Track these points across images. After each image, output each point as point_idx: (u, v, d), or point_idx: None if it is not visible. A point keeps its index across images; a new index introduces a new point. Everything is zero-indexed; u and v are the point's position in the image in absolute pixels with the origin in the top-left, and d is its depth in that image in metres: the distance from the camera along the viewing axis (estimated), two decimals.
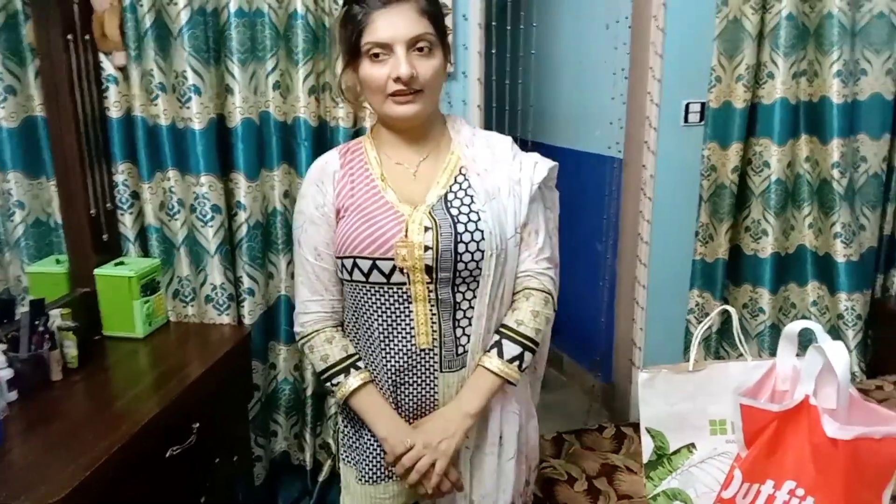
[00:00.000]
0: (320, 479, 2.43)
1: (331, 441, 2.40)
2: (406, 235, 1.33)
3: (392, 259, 1.33)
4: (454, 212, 1.36)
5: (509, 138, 1.50)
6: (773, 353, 2.87)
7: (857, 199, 2.74)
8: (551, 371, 3.73)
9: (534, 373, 1.63)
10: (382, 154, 1.44)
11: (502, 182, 1.40)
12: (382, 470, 1.46)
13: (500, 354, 1.39)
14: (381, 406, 1.43)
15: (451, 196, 1.38)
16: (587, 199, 3.27)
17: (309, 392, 2.36)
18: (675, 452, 1.60)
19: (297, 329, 1.51)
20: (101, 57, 2.01)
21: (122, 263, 2.06)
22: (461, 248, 1.33)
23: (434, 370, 1.40)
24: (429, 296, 1.36)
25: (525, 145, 3.22)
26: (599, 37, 2.99)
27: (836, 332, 2.77)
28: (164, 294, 2.13)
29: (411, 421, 1.43)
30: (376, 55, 1.30)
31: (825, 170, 2.68)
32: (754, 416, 1.37)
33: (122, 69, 2.02)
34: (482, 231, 1.34)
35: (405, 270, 1.34)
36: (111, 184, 2.08)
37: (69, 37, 1.91)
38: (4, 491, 1.35)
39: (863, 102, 2.68)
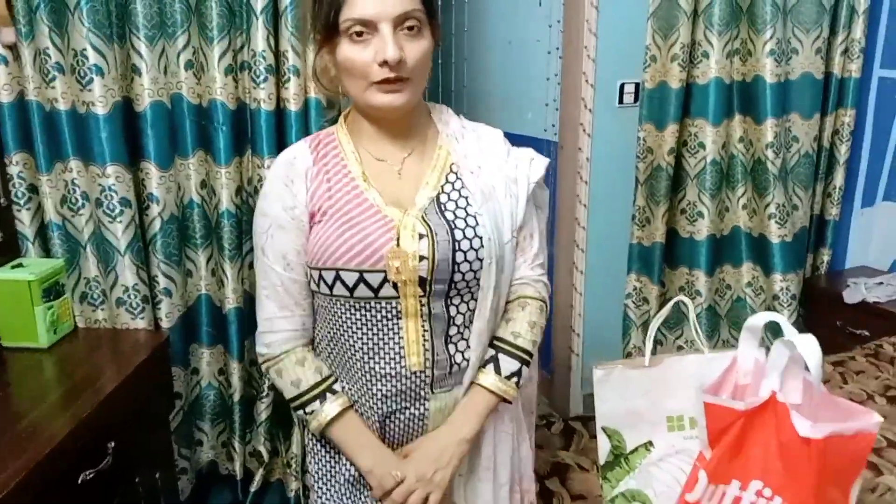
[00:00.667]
0: (252, 488, 2.27)
1: (262, 448, 2.25)
2: (398, 244, 1.17)
3: (382, 271, 1.17)
4: (450, 216, 1.21)
5: (499, 131, 1.34)
6: (710, 336, 2.90)
7: (789, 179, 2.75)
8: None
9: (527, 386, 1.49)
10: (361, 148, 1.27)
11: (498, 181, 1.25)
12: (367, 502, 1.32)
13: (497, 370, 1.27)
14: (363, 435, 1.28)
15: (443, 198, 1.23)
16: None
17: (236, 397, 2.19)
18: (632, 452, 1.53)
19: (261, 350, 1.33)
20: None
21: (20, 266, 1.84)
22: (459, 256, 1.19)
23: (425, 393, 1.27)
24: (421, 311, 1.21)
25: None
26: (533, 14, 2.89)
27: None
28: (69, 298, 1.93)
29: (397, 448, 1.30)
30: (358, 34, 1.12)
31: (759, 150, 2.67)
32: (719, 414, 1.30)
33: (12, 48, 1.79)
34: (481, 237, 1.20)
35: (397, 284, 1.18)
36: (4, 177, 1.86)
37: None
38: None
39: (794, 82, 2.69)
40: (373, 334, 1.23)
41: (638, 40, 2.60)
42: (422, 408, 1.27)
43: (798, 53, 2.66)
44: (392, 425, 1.29)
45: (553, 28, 2.77)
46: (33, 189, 1.89)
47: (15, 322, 1.82)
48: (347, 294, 1.20)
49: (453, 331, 1.25)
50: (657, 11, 2.55)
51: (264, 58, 1.95)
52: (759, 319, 1.33)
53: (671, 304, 1.53)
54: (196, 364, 2.19)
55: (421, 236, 1.18)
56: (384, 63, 1.11)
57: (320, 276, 1.22)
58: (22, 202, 1.88)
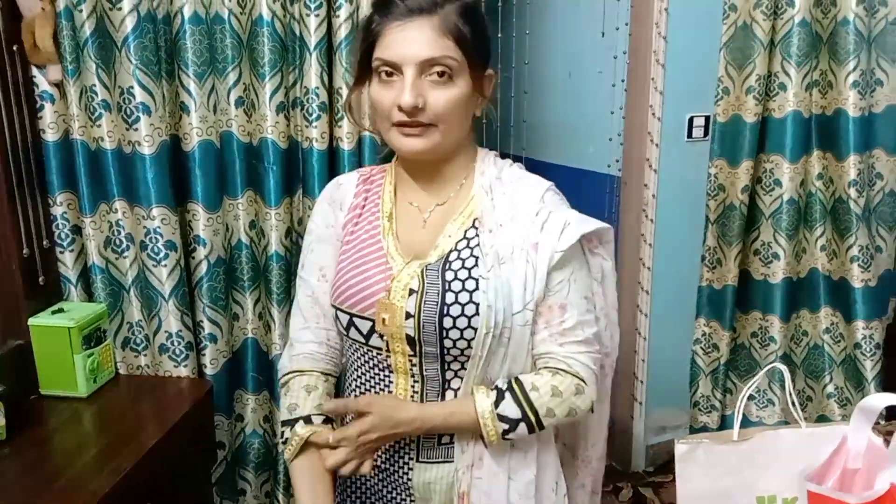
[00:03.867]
0: None
1: None
2: (389, 296, 1.11)
3: (372, 320, 1.13)
4: (449, 275, 1.11)
5: (544, 186, 1.19)
6: (782, 386, 2.70)
7: (872, 218, 2.56)
8: None
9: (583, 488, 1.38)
10: (400, 190, 1.22)
11: (517, 243, 1.11)
12: None
13: (496, 403, 1.11)
14: (317, 476, 1.16)
15: (453, 255, 1.13)
16: None
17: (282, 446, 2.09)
18: None
19: (283, 362, 1.26)
20: (34, 71, 1.73)
21: (61, 311, 1.77)
22: (447, 322, 1.09)
23: (410, 460, 1.18)
24: (411, 370, 1.14)
25: (518, 162, 3.01)
26: (595, 45, 2.76)
27: (852, 363, 2.59)
28: (111, 344, 1.85)
29: None
30: (388, 73, 1.09)
31: (840, 188, 2.49)
32: None
33: (59, 85, 1.73)
34: (477, 304, 1.08)
35: (384, 336, 1.12)
36: (48, 218, 1.80)
37: None
38: None
39: (878, 115, 2.51)
40: (366, 381, 1.20)
41: (709, 72, 2.47)
42: (405, 476, 1.19)
43: (883, 85, 2.48)
44: (370, 490, 1.23)
45: (618, 59, 2.64)
46: (77, 230, 1.83)
47: (54, 370, 1.75)
48: (345, 333, 1.19)
49: (450, 395, 1.14)
50: (731, 42, 2.41)
51: (317, 95, 1.87)
52: (876, 401, 1.16)
53: (764, 371, 1.37)
54: (240, 411, 2.10)
55: (411, 292, 1.11)
56: (400, 108, 1.07)
57: (336, 312, 1.20)
58: (65, 244, 1.82)
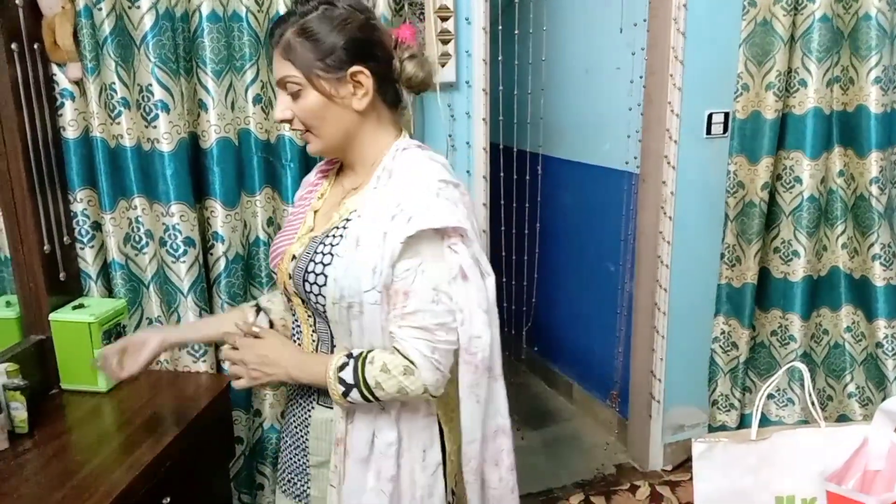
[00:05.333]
0: None
1: None
2: (283, 259, 1.32)
3: (275, 271, 1.36)
4: (321, 248, 1.26)
5: (424, 178, 1.24)
6: (802, 385, 2.67)
7: (895, 216, 2.52)
8: (560, 399, 3.48)
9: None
10: (340, 174, 1.40)
11: (376, 232, 1.21)
12: None
13: (340, 367, 1.23)
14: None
15: (333, 231, 1.27)
16: (600, 217, 3.02)
17: None
18: None
19: None
20: (54, 69, 1.75)
21: (81, 306, 1.79)
22: (307, 286, 1.25)
23: (313, 401, 1.35)
24: (308, 320, 1.33)
25: (535, 160, 3.00)
26: (613, 41, 2.74)
27: (873, 362, 2.56)
28: None
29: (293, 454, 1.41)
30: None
31: (862, 185, 2.46)
32: None
33: (78, 83, 1.75)
34: (327, 276, 1.22)
35: (284, 287, 1.34)
36: (68, 214, 1.82)
37: (14, 46, 1.64)
38: None
39: None
40: (293, 327, 1.38)
41: (728, 68, 2.44)
42: (307, 415, 1.35)
43: None
44: (286, 428, 1.42)
45: (636, 55, 2.62)
46: (97, 227, 1.85)
47: (75, 364, 1.77)
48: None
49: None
50: (750, 38, 2.39)
51: None
52: None
53: (783, 370, 1.36)
54: (258, 406, 2.11)
55: (293, 257, 1.29)
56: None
57: None
58: (85, 240, 1.84)
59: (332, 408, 1.31)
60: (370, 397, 1.22)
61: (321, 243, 1.26)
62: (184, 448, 1.62)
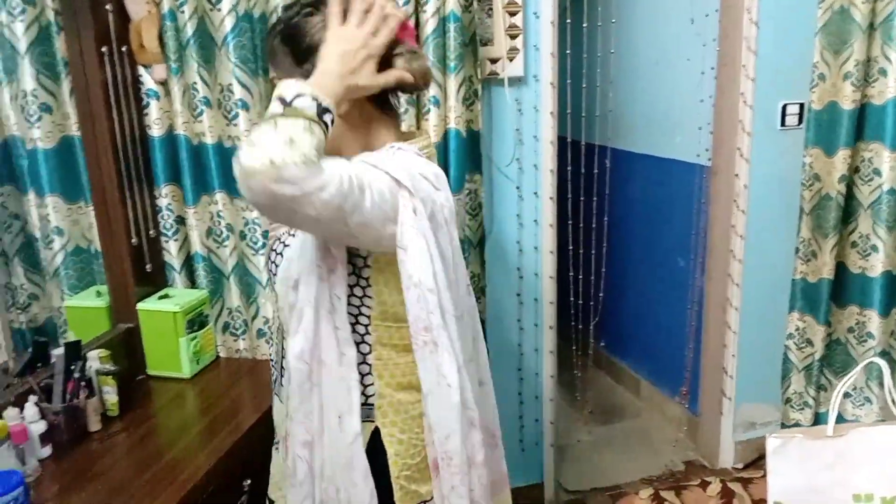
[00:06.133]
0: None
1: None
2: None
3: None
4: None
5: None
6: (880, 384, 2.59)
7: None
8: (627, 395, 3.45)
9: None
10: None
11: None
12: None
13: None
14: None
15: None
16: (670, 210, 2.98)
17: None
18: None
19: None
20: (140, 70, 1.84)
21: (166, 296, 1.88)
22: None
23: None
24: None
25: (603, 153, 2.98)
26: (684, 32, 2.70)
27: None
28: (213, 328, 1.95)
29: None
30: None
31: None
32: None
33: (163, 83, 1.84)
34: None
35: None
36: (154, 209, 1.91)
37: (104, 49, 1.73)
38: None
39: None
40: None
41: (804, 58, 2.38)
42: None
43: None
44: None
45: (707, 47, 2.57)
46: (181, 221, 1.93)
47: (160, 352, 1.86)
48: None
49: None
50: (827, 26, 2.32)
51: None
52: None
53: (861, 366, 1.33)
54: None
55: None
56: None
57: None
58: (170, 234, 1.92)
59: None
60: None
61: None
62: (261, 433, 1.67)
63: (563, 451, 2.85)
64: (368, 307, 1.20)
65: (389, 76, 1.15)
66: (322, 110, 1.01)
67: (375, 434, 1.24)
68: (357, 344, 1.20)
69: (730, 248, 2.56)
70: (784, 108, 2.46)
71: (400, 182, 1.09)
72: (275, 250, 1.26)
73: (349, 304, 1.18)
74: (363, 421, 1.21)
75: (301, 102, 1.00)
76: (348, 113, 1.15)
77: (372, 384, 1.23)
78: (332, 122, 1.04)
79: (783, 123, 2.47)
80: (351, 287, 1.18)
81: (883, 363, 1.30)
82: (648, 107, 3.05)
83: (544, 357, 2.46)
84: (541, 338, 2.44)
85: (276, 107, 1.00)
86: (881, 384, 2.48)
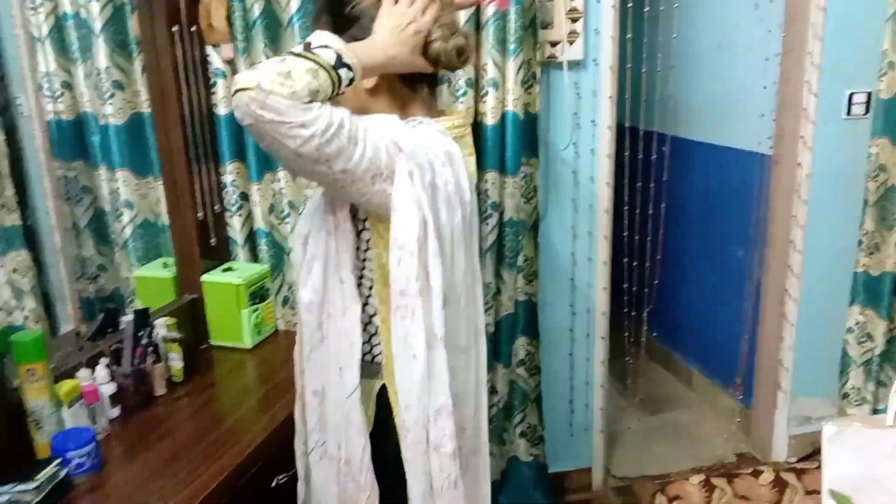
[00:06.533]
0: None
1: None
2: None
3: None
4: None
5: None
6: None
7: None
8: (679, 386, 3.42)
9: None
10: None
11: None
12: None
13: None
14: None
15: None
16: (729, 200, 2.94)
17: None
18: None
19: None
20: (209, 50, 1.89)
21: (230, 269, 1.94)
22: None
23: None
24: None
25: (662, 140, 2.95)
26: (748, 18, 2.66)
27: None
28: (273, 302, 2.01)
29: None
30: None
31: None
32: None
33: (230, 62, 1.89)
34: None
35: None
36: (219, 185, 1.97)
37: (174, 29, 1.79)
38: None
39: None
40: None
41: (872, 46, 2.32)
42: None
43: None
44: None
45: (772, 33, 2.52)
46: (244, 197, 1.99)
47: (223, 322, 1.92)
48: None
49: None
50: None
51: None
52: None
53: None
54: None
55: None
56: None
57: None
58: (234, 209, 1.98)
59: None
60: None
61: None
62: None
63: (612, 438, 2.85)
64: (369, 269, 1.25)
65: (427, 62, 1.21)
66: (340, 64, 1.06)
67: (383, 390, 1.28)
68: (363, 305, 1.25)
69: (790, 238, 2.52)
70: (850, 96, 2.41)
71: (399, 145, 1.12)
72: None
73: (354, 265, 1.23)
74: (371, 378, 1.27)
75: (323, 52, 1.06)
76: (381, 86, 1.22)
77: (378, 344, 1.28)
78: (351, 81, 1.08)
79: (849, 112, 2.41)
80: (356, 249, 1.24)
81: None
82: (709, 94, 3.00)
83: (596, 342, 2.46)
84: (593, 323, 2.44)
85: (297, 48, 1.07)
86: None
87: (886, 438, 1.28)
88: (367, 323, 1.27)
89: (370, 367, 1.28)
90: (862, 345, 2.55)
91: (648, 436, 2.98)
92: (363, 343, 1.25)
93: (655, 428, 3.05)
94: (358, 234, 1.24)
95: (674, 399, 3.31)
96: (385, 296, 1.23)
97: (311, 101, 1.01)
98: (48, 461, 1.34)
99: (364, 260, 1.25)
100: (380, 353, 1.28)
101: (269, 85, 0.98)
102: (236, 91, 1.00)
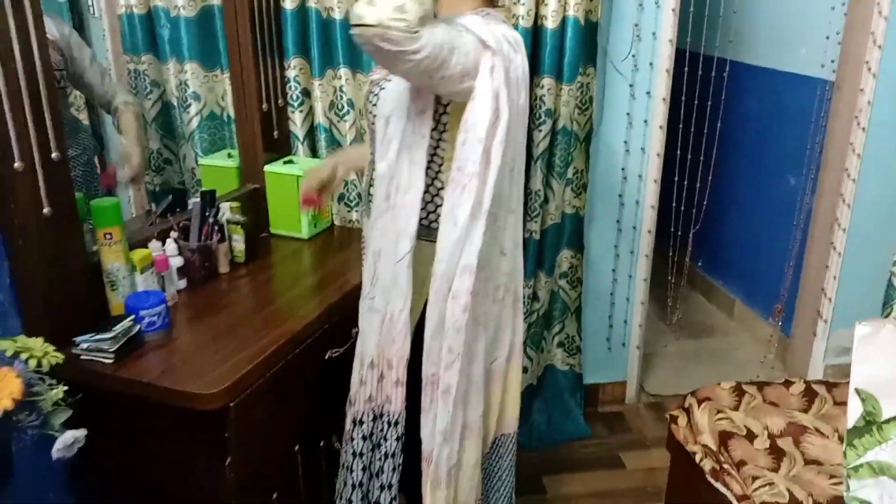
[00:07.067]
0: None
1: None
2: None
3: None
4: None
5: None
6: None
7: None
8: (720, 315, 3.46)
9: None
10: None
11: None
12: None
13: None
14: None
15: None
16: (787, 125, 2.90)
17: None
18: (887, 421, 1.38)
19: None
20: None
21: (290, 162, 2.03)
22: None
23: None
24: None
25: (722, 64, 2.89)
26: None
27: None
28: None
29: None
30: None
31: None
32: None
33: None
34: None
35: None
36: (283, 79, 2.04)
37: None
38: (172, 377, 1.36)
39: None
40: None
41: None
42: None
43: None
44: None
45: None
46: (306, 93, 2.06)
47: (283, 212, 2.02)
48: None
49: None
50: None
51: None
52: None
53: None
54: None
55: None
56: None
57: None
58: (296, 104, 2.05)
59: None
60: None
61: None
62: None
63: (648, 358, 2.92)
64: (443, 150, 1.39)
65: None
66: None
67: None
68: (427, 185, 1.40)
69: (845, 166, 2.49)
70: None
71: (486, 43, 1.27)
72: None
73: (428, 148, 1.37)
74: (427, 240, 1.41)
75: None
76: None
77: (436, 220, 1.41)
78: None
79: None
80: (432, 131, 1.36)
81: None
82: (775, 13, 2.93)
83: (640, 260, 2.51)
84: (638, 240, 2.48)
85: None
86: None
87: None
88: (434, 195, 1.41)
89: (427, 230, 1.43)
90: None
91: (685, 358, 3.04)
92: (428, 212, 1.43)
93: (692, 351, 3.11)
94: (436, 116, 1.36)
95: (714, 327, 3.36)
96: None
97: (420, 29, 1.14)
98: (123, 317, 1.45)
99: (439, 140, 1.38)
100: (436, 220, 1.40)
101: (388, 21, 1.11)
102: (359, 25, 1.13)
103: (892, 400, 1.36)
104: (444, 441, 1.41)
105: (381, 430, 1.48)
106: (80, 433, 1.03)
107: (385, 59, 1.18)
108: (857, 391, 1.37)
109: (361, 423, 1.51)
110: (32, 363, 0.98)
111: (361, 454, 1.52)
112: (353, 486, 1.54)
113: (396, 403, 1.45)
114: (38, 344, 1.02)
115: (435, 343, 1.39)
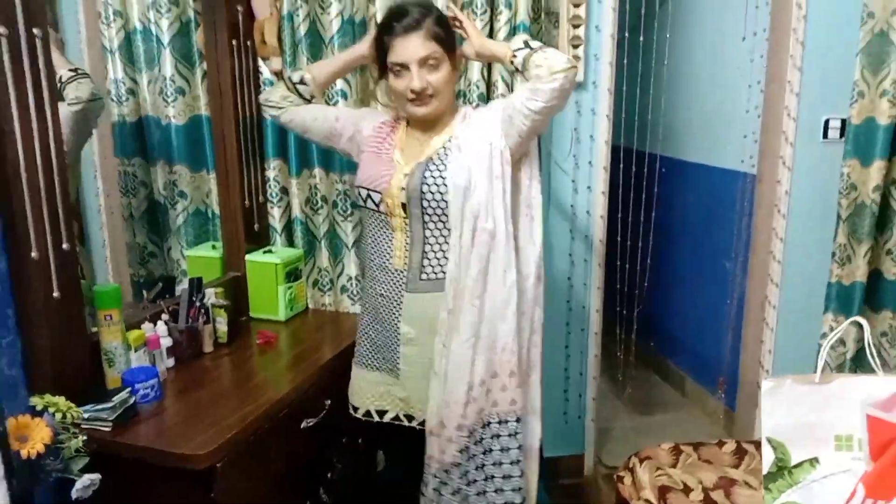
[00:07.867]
0: None
1: None
2: (391, 179, 1.73)
3: (380, 192, 1.74)
4: (430, 166, 1.71)
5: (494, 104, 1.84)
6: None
7: None
8: (670, 390, 3.67)
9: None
10: (409, 131, 1.82)
11: (473, 137, 1.72)
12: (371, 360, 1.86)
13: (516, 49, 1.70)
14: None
15: (434, 157, 1.73)
16: (717, 214, 3.22)
17: None
18: (796, 466, 1.57)
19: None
20: (260, 62, 2.20)
21: (269, 251, 2.23)
22: (425, 188, 1.68)
23: (402, 288, 1.76)
24: (405, 227, 1.74)
25: (654, 159, 3.23)
26: (735, 48, 2.94)
27: None
28: (304, 282, 2.29)
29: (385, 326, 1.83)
30: (398, 70, 1.68)
31: None
32: (881, 429, 1.33)
33: (278, 74, 2.20)
34: (444, 178, 1.68)
35: (389, 202, 1.73)
36: (263, 178, 2.27)
37: (234, 42, 2.10)
38: (164, 440, 1.52)
39: None
40: (377, 238, 1.79)
41: (845, 75, 2.57)
42: (399, 298, 1.77)
43: None
44: (381, 308, 1.81)
45: (755, 62, 2.81)
46: (284, 190, 2.29)
47: (262, 297, 2.21)
48: (363, 203, 1.79)
49: (427, 248, 1.73)
50: (867, 47, 2.51)
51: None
52: None
53: (847, 323, 1.56)
54: None
55: (405, 175, 1.71)
56: (412, 90, 1.67)
57: (358, 193, 1.79)
58: (275, 200, 2.28)
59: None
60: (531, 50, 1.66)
61: (430, 162, 1.71)
62: (339, 368, 1.96)
63: (605, 432, 3.09)
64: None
65: None
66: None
67: None
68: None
69: (770, 249, 2.77)
70: (827, 122, 2.67)
71: None
72: (429, 170, 1.70)
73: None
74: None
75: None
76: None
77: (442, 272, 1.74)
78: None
79: (825, 136, 2.67)
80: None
81: (864, 322, 1.52)
82: (698, 116, 3.29)
83: (590, 337, 2.72)
84: (588, 319, 2.70)
85: (523, 44, 1.69)
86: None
87: (814, 394, 1.52)
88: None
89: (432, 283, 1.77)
90: (835, 349, 2.78)
91: (639, 432, 3.22)
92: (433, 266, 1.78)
93: (645, 426, 3.30)
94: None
95: (666, 401, 3.56)
96: None
97: None
98: (121, 389, 1.62)
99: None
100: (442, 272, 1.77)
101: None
102: (568, 68, 1.58)
103: (798, 447, 1.55)
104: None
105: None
106: (96, 477, 1.19)
107: (565, 99, 1.62)
108: (769, 440, 1.56)
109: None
110: (58, 416, 1.15)
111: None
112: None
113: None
114: (61, 400, 1.19)
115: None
